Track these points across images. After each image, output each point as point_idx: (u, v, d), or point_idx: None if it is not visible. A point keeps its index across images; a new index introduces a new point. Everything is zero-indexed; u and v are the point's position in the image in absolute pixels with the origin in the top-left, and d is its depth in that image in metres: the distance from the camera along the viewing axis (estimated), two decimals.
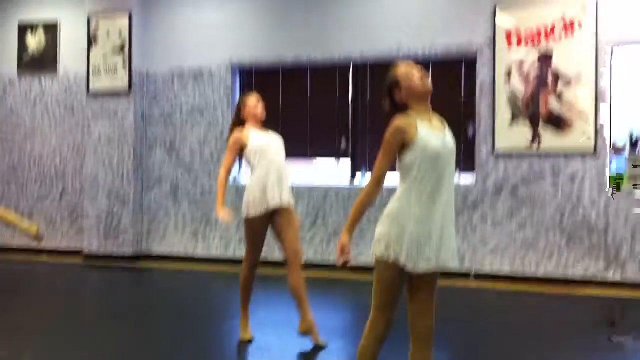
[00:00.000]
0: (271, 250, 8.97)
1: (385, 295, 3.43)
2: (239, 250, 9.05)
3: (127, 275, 9.19)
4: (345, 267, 3.46)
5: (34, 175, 10.53)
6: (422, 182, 3.34)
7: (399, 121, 3.36)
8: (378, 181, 3.39)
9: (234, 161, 5.60)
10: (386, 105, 3.55)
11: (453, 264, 3.44)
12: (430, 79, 3.54)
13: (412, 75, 3.48)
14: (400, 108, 3.49)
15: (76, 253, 10.06)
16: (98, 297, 8.01)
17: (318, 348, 5.37)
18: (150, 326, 6.31)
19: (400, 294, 3.44)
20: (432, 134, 3.38)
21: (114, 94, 9.81)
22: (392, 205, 3.42)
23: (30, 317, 6.67)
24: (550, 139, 7.95)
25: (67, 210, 10.32)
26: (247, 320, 5.69)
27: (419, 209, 3.33)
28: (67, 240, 10.30)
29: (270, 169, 5.48)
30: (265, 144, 5.56)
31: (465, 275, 8.22)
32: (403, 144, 3.34)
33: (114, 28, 9.79)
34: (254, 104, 5.66)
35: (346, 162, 9.17)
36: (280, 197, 5.46)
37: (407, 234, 3.32)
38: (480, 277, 8.19)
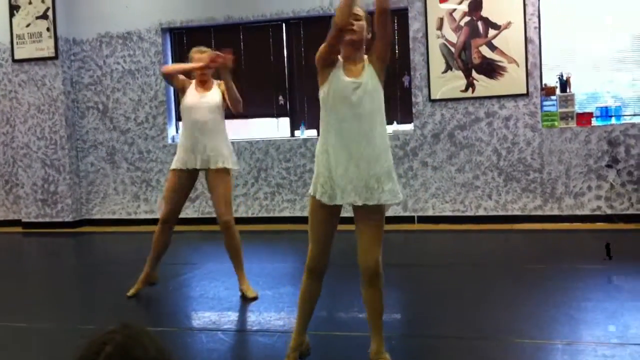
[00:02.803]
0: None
1: (313, 228, 3.37)
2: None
3: (69, 240, 8.49)
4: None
5: None
6: (330, 116, 3.29)
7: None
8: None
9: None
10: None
11: (360, 201, 3.25)
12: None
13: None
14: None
15: (14, 222, 9.17)
16: (42, 263, 7.33)
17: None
18: (96, 287, 5.79)
19: (327, 229, 3.35)
20: (345, 76, 3.30)
21: (40, 62, 8.94)
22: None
23: None
24: (483, 86, 7.70)
25: (0, 180, 9.38)
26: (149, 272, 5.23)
27: (326, 143, 3.29)
28: (4, 210, 9.37)
29: (193, 129, 5.01)
30: (194, 103, 5.04)
31: (410, 219, 7.93)
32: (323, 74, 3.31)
33: None
34: (199, 56, 5.12)
35: (285, 120, 8.66)
36: (200, 160, 5.00)
37: (319, 167, 3.31)
38: (423, 219, 7.91)
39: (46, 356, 4.06)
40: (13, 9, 8.97)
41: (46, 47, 8.94)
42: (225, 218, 4.97)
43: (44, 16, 8.91)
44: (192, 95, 5.08)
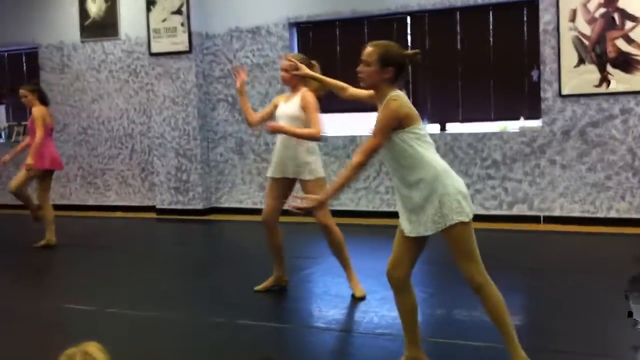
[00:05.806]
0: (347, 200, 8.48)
1: None
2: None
3: (200, 228, 8.80)
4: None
5: (104, 137, 10.05)
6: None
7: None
8: None
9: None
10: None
11: (408, 233, 3.37)
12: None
13: None
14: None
15: (149, 209, 9.62)
16: (174, 250, 7.63)
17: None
18: (224, 277, 5.94)
19: (399, 239, 3.44)
20: None
21: (174, 55, 9.25)
22: None
23: (112, 270, 6.38)
24: (619, 81, 7.26)
25: (137, 168, 9.84)
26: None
27: None
28: (140, 197, 9.84)
29: (278, 140, 5.06)
30: (277, 113, 5.08)
31: (535, 219, 7.64)
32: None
33: None
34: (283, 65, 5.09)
35: None
36: (280, 170, 5.02)
37: None
38: (550, 220, 7.59)
39: (177, 345, 4.20)
40: (149, 4, 9.32)
41: (181, 42, 9.23)
42: (320, 221, 4.97)
43: (179, 11, 9.20)
44: (280, 104, 5.12)
